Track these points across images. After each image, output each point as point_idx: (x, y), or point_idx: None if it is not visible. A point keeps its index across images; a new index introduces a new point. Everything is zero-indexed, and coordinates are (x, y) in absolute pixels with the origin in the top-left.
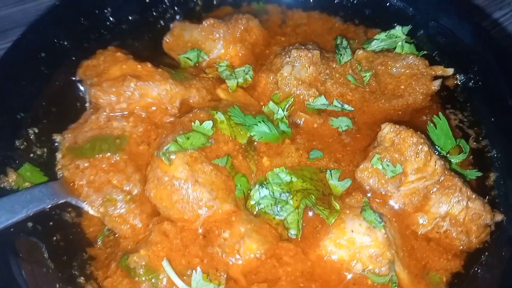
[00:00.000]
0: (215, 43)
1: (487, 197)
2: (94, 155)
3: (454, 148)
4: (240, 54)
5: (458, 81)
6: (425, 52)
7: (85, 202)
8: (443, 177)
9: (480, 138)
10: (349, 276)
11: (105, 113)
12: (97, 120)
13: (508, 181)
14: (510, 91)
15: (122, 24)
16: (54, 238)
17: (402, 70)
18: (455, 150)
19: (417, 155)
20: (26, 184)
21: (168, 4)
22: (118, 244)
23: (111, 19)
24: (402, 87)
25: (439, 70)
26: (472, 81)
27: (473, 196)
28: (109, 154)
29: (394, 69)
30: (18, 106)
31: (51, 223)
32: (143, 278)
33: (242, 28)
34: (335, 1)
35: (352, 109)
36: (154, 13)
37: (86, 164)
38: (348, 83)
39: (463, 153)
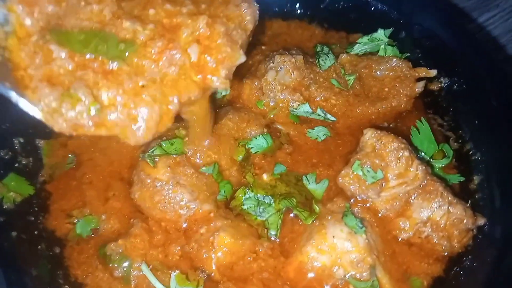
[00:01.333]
0: None
1: (470, 200)
2: (84, 51)
3: (438, 152)
4: None
5: (443, 84)
6: (408, 54)
7: (21, 94)
8: (425, 182)
9: (460, 141)
10: (331, 282)
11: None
12: (100, 12)
13: (492, 184)
14: (494, 93)
15: None
16: (39, 247)
17: (386, 73)
18: (439, 155)
19: (398, 161)
20: (11, 194)
21: None
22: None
23: None
24: (386, 89)
25: (423, 71)
26: (456, 84)
27: (455, 200)
28: (104, 58)
29: (378, 72)
30: (3, 117)
31: (36, 232)
32: (116, 265)
33: None
34: (322, 6)
35: (335, 119)
36: None
37: (62, 55)
38: (332, 87)
39: (446, 157)
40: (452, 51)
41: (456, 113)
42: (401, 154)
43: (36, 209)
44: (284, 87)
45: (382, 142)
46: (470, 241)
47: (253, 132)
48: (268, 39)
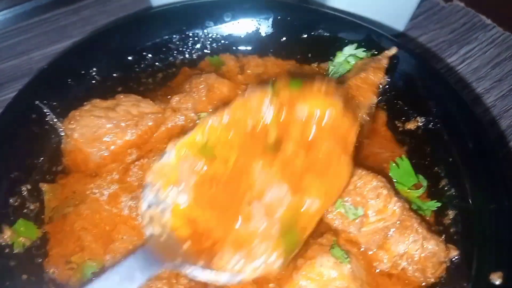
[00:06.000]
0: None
1: (445, 234)
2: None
3: (415, 184)
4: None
5: (419, 123)
6: (375, 52)
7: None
8: (402, 217)
9: (436, 177)
10: None
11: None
12: None
13: (465, 218)
14: (466, 133)
15: (107, 81)
16: None
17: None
18: (416, 185)
19: (377, 198)
20: (20, 239)
21: (149, 60)
22: None
23: (97, 77)
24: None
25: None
26: (431, 123)
27: (428, 236)
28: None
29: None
30: (12, 165)
31: (43, 275)
32: None
33: (205, 91)
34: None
35: None
36: (137, 69)
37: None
38: None
39: (422, 187)
40: (427, 92)
41: (433, 151)
42: (379, 192)
43: (43, 250)
44: None
45: (363, 181)
46: (444, 272)
47: None
48: (248, 76)
